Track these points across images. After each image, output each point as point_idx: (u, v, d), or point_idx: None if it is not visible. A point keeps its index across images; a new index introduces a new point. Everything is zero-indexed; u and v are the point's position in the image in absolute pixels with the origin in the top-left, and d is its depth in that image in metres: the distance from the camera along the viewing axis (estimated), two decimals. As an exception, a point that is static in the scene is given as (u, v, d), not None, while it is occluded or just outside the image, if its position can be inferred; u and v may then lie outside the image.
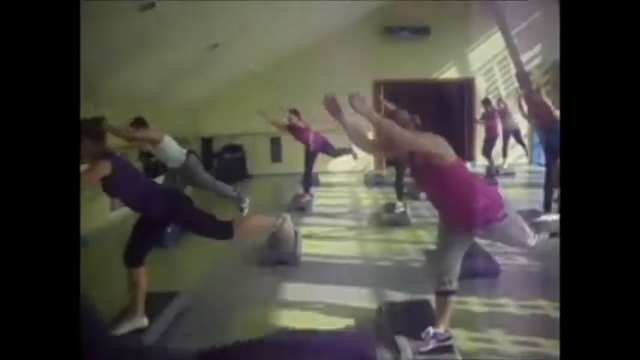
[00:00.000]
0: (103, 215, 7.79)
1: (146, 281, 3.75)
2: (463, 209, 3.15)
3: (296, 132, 8.98)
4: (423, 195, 8.75)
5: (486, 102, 11.34)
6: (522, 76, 8.97)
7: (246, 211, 6.68)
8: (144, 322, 3.71)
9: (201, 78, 9.86)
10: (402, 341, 3.24)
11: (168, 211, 3.68)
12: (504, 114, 10.95)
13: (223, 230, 3.84)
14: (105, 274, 4.93)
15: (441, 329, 3.29)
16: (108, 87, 7.58)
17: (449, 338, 3.28)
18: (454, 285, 3.32)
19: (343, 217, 8.01)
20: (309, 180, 8.93)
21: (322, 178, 11.02)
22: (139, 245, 3.72)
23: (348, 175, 11.97)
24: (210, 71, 9.64)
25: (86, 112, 3.19)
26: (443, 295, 3.34)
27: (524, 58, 9.95)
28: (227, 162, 12.36)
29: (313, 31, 10.98)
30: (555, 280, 1.86)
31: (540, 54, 11.50)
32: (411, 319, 3.65)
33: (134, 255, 3.70)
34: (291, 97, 11.95)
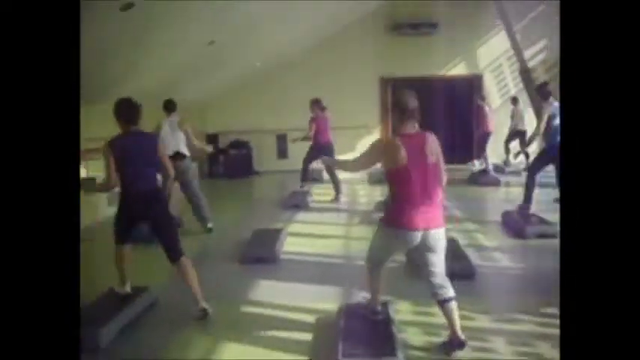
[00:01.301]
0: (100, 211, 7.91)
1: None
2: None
3: (316, 122, 8.68)
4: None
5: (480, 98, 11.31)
6: (525, 74, 8.78)
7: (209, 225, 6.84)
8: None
9: (204, 76, 9.90)
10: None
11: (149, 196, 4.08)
12: (515, 113, 10.92)
13: (174, 252, 4.09)
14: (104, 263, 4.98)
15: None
16: (107, 86, 7.70)
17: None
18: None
19: (337, 214, 7.99)
20: (305, 174, 9.00)
21: (326, 175, 10.96)
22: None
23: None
24: (212, 69, 9.68)
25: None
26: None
27: (528, 53, 9.74)
28: (233, 158, 12.45)
29: (319, 29, 10.96)
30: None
31: (545, 49, 11.16)
32: (367, 322, 3.63)
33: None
34: (297, 95, 11.97)
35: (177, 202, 6.76)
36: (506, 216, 6.74)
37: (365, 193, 9.81)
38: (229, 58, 9.45)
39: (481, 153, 10.94)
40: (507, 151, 11.41)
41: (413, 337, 3.65)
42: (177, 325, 3.99)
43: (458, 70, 12.32)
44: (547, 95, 6.40)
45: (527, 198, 6.79)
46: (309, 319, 4.03)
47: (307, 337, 3.74)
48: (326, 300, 4.34)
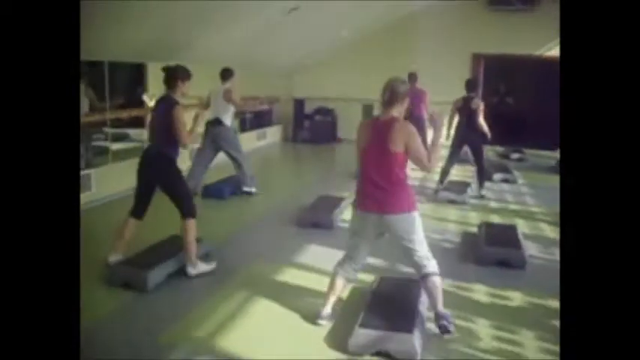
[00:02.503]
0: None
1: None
2: None
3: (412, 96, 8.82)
4: (496, 176, 8.45)
5: None
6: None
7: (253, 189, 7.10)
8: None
9: (290, 41, 10.06)
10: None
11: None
12: None
13: (184, 211, 4.25)
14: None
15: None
16: (200, 47, 8.06)
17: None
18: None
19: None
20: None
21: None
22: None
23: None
24: (300, 35, 9.81)
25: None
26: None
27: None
28: (318, 123, 12.66)
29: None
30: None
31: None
32: (399, 296, 3.69)
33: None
34: (388, 66, 11.84)
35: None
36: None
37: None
38: (316, 25, 9.52)
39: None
40: None
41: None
42: (221, 278, 4.25)
43: (556, 51, 11.59)
44: None
45: None
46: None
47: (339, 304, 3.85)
48: (369, 271, 4.42)
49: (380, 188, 3.30)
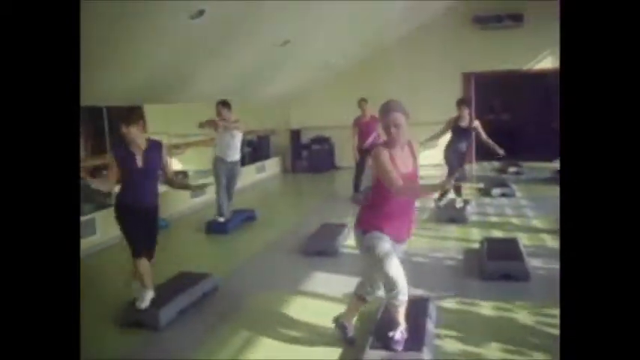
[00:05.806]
0: (184, 201, 8.48)
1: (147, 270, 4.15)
2: None
3: (361, 124, 8.98)
4: (495, 191, 8.54)
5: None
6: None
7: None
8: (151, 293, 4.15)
9: (283, 74, 10.26)
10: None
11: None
12: None
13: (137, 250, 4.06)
14: (180, 251, 5.36)
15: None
16: (194, 85, 8.23)
17: None
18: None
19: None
20: (358, 180, 9.08)
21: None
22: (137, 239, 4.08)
23: (434, 167, 11.81)
24: (291, 67, 10.01)
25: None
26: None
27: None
28: (315, 153, 12.80)
29: (401, 23, 10.97)
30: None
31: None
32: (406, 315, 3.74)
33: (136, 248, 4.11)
34: (379, 91, 12.03)
35: None
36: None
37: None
38: (307, 55, 9.73)
39: None
40: None
41: (448, 331, 3.72)
42: (230, 311, 4.32)
43: (545, 63, 11.82)
44: None
45: None
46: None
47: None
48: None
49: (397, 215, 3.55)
